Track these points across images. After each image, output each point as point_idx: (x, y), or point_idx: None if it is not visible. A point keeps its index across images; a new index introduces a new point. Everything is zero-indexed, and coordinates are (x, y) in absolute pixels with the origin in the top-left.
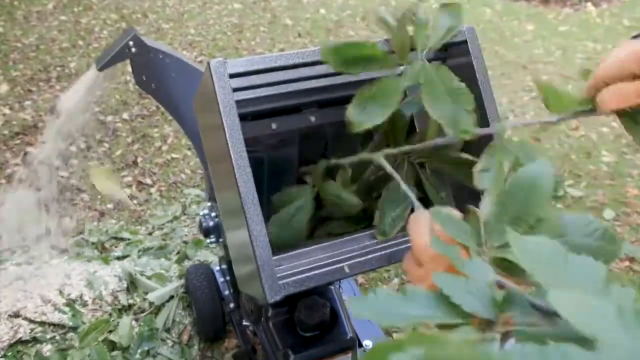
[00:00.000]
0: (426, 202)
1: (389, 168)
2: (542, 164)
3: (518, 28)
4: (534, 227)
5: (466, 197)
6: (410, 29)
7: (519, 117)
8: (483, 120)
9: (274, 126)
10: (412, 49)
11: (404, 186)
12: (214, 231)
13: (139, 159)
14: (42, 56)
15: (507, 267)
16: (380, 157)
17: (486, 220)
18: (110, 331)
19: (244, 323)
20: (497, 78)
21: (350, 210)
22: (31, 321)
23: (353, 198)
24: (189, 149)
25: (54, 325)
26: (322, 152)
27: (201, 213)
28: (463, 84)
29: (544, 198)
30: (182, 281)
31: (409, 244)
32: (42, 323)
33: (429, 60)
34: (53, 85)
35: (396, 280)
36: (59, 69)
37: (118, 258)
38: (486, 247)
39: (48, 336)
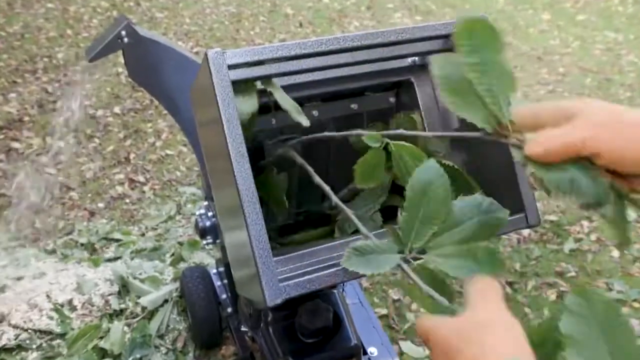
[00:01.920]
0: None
1: (299, 159)
2: (430, 167)
3: (533, 17)
4: (444, 221)
5: None
6: None
7: None
8: None
9: (274, 121)
10: None
11: (317, 179)
12: (210, 232)
13: (132, 156)
14: (28, 46)
15: (428, 274)
16: (290, 150)
17: (402, 225)
18: (101, 337)
19: (242, 328)
20: None
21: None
22: (16, 327)
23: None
24: (185, 144)
25: (40, 331)
26: (326, 150)
27: (197, 212)
28: None
29: (441, 195)
30: (177, 284)
31: None
32: (27, 329)
33: (437, 51)
34: (39, 77)
35: None
36: (45, 59)
37: (109, 260)
38: (409, 252)
39: (34, 343)
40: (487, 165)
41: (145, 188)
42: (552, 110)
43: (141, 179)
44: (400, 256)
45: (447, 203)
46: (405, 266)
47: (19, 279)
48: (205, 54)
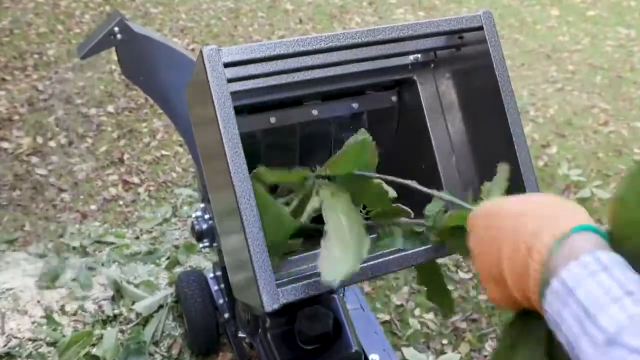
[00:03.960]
0: None
1: None
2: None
3: (541, 13)
4: None
5: None
6: None
7: (541, 112)
8: (500, 116)
9: (272, 120)
10: None
11: None
12: (207, 235)
13: (126, 156)
14: (17, 42)
15: None
16: None
17: None
18: (93, 345)
19: (240, 335)
20: (517, 69)
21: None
22: (5, 334)
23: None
24: (181, 145)
25: (30, 339)
26: (328, 149)
27: (193, 215)
28: None
29: None
30: (173, 289)
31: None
32: (17, 336)
33: (440, 48)
34: (29, 74)
35: (406, 289)
36: (36, 56)
37: (102, 264)
38: None
39: (24, 351)
40: (490, 151)
41: (140, 190)
42: None
43: (135, 180)
44: None
45: None
46: None
47: (7, 283)
48: (201, 51)
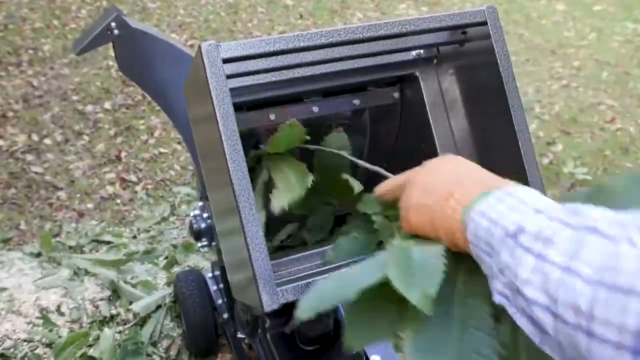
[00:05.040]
0: None
1: None
2: None
3: (546, 8)
4: None
5: None
6: None
7: (546, 108)
8: (504, 113)
9: (272, 117)
10: None
11: None
12: (206, 234)
13: (123, 154)
14: (12, 37)
15: None
16: None
17: None
18: (90, 345)
19: (239, 335)
20: (522, 64)
21: None
22: (0, 335)
23: None
24: (179, 142)
25: (25, 340)
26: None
27: (192, 214)
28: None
29: None
30: (171, 289)
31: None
32: (12, 337)
33: (443, 44)
34: (24, 70)
35: None
36: (31, 51)
37: (99, 263)
38: None
39: (19, 352)
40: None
41: (138, 188)
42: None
43: (133, 178)
44: None
45: None
46: None
47: (2, 283)
48: (199, 47)
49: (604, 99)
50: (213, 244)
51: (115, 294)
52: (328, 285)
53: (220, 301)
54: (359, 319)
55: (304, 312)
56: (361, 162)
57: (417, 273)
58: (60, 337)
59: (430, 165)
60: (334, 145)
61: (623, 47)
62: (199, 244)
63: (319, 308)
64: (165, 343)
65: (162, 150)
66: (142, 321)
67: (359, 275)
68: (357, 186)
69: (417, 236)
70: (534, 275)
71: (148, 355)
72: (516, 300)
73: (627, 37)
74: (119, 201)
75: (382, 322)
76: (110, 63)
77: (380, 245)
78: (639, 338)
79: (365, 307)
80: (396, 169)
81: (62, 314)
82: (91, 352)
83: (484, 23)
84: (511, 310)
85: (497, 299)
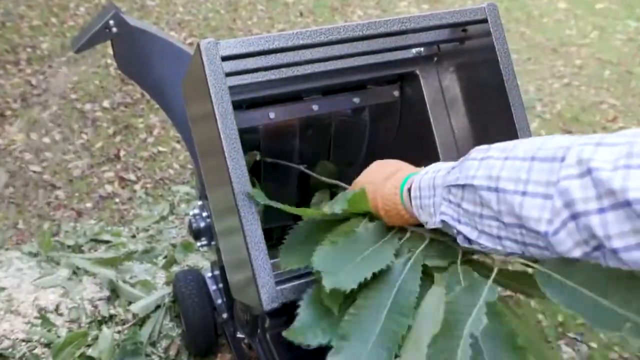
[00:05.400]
0: None
1: None
2: None
3: (548, 6)
4: None
5: None
6: None
7: (547, 107)
8: (505, 111)
9: (272, 115)
10: None
11: None
12: (205, 233)
13: (122, 153)
14: (9, 35)
15: None
16: None
17: None
18: (89, 345)
19: (239, 335)
20: (523, 63)
21: None
22: None
23: None
24: (178, 141)
25: (24, 340)
26: (327, 146)
27: (191, 213)
28: None
29: None
30: (170, 289)
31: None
32: (10, 337)
33: (444, 41)
34: (22, 68)
35: None
36: (29, 50)
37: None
38: None
39: (17, 352)
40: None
41: (136, 187)
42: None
43: (132, 177)
44: None
45: None
46: None
47: (1, 283)
48: (198, 45)
49: (606, 97)
50: (212, 243)
51: (114, 293)
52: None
53: (219, 301)
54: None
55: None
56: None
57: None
58: (58, 337)
59: (374, 163)
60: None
61: (625, 45)
62: (198, 243)
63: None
64: (164, 343)
65: (161, 148)
66: (141, 321)
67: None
68: None
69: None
70: (480, 170)
71: (147, 355)
72: (460, 207)
73: (629, 35)
74: (117, 200)
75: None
76: (109, 61)
77: None
78: (558, 189)
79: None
80: None
81: (60, 314)
82: (90, 352)
83: (485, 20)
84: (452, 223)
85: (440, 218)
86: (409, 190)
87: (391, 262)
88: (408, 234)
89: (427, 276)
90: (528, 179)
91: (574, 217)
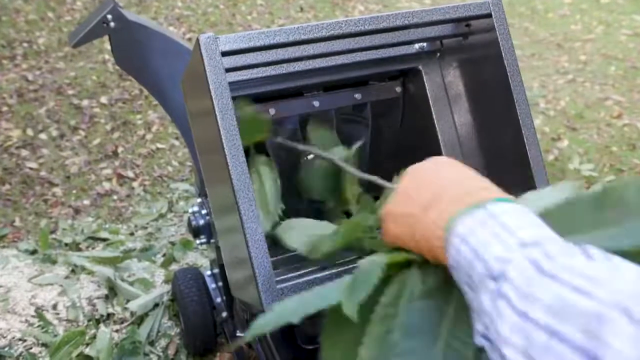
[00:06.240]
0: None
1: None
2: None
3: (552, 1)
4: None
5: None
6: None
7: (552, 104)
8: (509, 108)
9: (272, 112)
10: None
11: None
12: (204, 231)
13: (120, 149)
14: (5, 30)
15: None
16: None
17: None
18: (87, 344)
19: (238, 334)
20: (527, 59)
21: None
22: None
23: None
24: (177, 137)
25: (20, 338)
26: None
27: (190, 210)
28: None
29: None
30: (169, 287)
31: None
32: (7, 336)
33: (447, 37)
34: (19, 63)
35: None
36: (25, 45)
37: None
38: None
39: (14, 351)
40: (498, 145)
41: (135, 184)
42: None
43: (130, 174)
44: None
45: None
46: None
47: None
48: (197, 40)
49: (611, 94)
50: (212, 241)
51: (112, 292)
52: (288, 304)
53: (219, 299)
54: (333, 338)
55: (257, 327)
56: (351, 170)
57: (357, 284)
58: (56, 336)
59: (412, 170)
60: (323, 145)
61: (631, 40)
62: (198, 241)
63: (276, 324)
64: (163, 342)
65: (159, 145)
66: (140, 320)
67: (317, 296)
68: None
69: (398, 249)
70: (516, 336)
71: (145, 354)
72: (494, 351)
73: (635, 30)
74: (115, 197)
75: (352, 342)
76: (107, 56)
77: None
78: None
79: (336, 328)
80: (398, 166)
81: (58, 313)
82: (87, 351)
83: (489, 15)
84: (492, 356)
85: (477, 340)
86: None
87: None
88: None
89: None
90: None
91: None
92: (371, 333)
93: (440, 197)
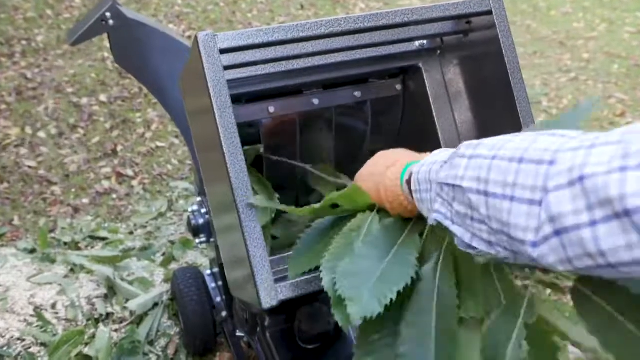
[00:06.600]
0: None
1: None
2: None
3: None
4: None
5: None
6: None
7: (554, 102)
8: (510, 106)
9: (271, 110)
10: None
11: None
12: (204, 230)
13: (119, 148)
14: (4, 27)
15: None
16: None
17: None
18: (86, 344)
19: (238, 334)
20: (529, 57)
21: None
22: None
23: None
24: (176, 136)
25: (19, 338)
26: (327, 141)
27: (190, 209)
28: None
29: None
30: (168, 287)
31: None
32: (5, 335)
33: (447, 34)
34: (17, 61)
35: None
36: (23, 42)
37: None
38: None
39: (12, 351)
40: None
41: (134, 183)
42: None
43: (129, 172)
44: None
45: None
46: None
47: None
48: (196, 37)
49: (614, 92)
50: (211, 240)
51: (112, 291)
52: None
53: (218, 299)
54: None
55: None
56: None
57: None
58: (55, 335)
59: (377, 154)
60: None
61: (635, 38)
62: (197, 240)
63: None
64: (162, 342)
65: (159, 144)
66: (139, 319)
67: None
68: None
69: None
70: (469, 171)
71: (145, 354)
72: (452, 207)
73: (639, 28)
74: (115, 196)
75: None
76: (106, 54)
77: None
78: (544, 192)
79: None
80: None
81: (57, 312)
82: (87, 350)
83: (489, 12)
84: (446, 223)
85: (434, 216)
86: (409, 181)
87: (417, 268)
88: (428, 226)
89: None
90: (515, 183)
91: (558, 232)
92: (335, 243)
93: (396, 161)
